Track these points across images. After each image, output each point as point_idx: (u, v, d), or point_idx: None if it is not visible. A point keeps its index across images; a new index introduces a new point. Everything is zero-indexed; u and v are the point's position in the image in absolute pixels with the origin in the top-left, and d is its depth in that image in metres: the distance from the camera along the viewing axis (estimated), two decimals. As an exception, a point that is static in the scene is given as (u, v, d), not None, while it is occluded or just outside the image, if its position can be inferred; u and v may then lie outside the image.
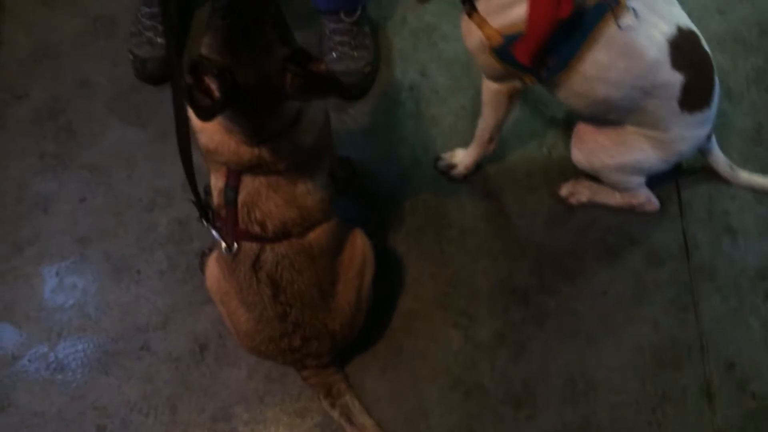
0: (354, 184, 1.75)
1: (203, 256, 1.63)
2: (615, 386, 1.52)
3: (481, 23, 1.30)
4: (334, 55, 1.87)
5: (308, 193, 1.33)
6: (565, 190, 1.69)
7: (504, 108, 1.53)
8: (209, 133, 1.25)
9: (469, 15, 1.32)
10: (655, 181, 1.64)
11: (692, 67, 1.35)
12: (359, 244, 1.47)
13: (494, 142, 1.65)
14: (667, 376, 1.52)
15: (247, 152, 1.23)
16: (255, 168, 1.26)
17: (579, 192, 1.68)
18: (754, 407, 1.48)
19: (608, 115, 1.45)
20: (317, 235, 1.37)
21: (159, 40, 1.90)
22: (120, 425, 1.56)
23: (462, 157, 1.72)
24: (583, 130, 1.56)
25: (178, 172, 1.65)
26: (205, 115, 1.08)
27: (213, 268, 1.47)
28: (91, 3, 2.06)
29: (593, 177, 1.63)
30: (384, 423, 1.50)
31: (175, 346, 1.63)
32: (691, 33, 1.36)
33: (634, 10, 1.23)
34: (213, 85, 1.07)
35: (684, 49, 1.33)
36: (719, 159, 1.63)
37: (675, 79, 1.34)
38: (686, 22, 1.36)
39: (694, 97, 1.38)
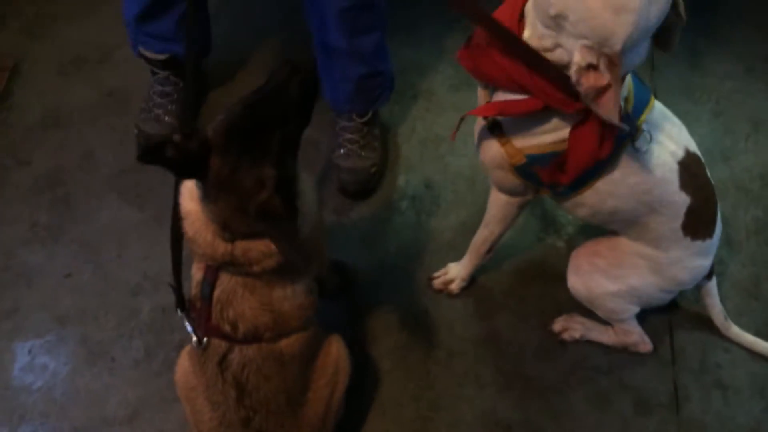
0: (346, 290, 1.69)
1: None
2: None
3: (504, 142, 1.26)
4: (342, 151, 1.84)
5: (286, 298, 1.26)
6: (558, 326, 1.63)
7: (511, 219, 1.49)
8: (192, 219, 1.19)
9: (492, 131, 1.27)
10: (650, 320, 1.59)
11: (698, 191, 1.33)
12: (334, 352, 1.39)
13: (491, 253, 1.61)
14: None
15: (221, 247, 1.17)
16: (228, 266, 1.20)
17: (572, 328, 1.62)
18: None
19: (612, 226, 1.41)
20: (290, 342, 1.29)
21: (166, 118, 1.87)
22: None
23: (457, 271, 1.67)
24: (580, 253, 1.52)
25: (169, 258, 1.60)
26: (143, 155, 1.06)
27: (184, 360, 1.39)
28: (107, 76, 2.05)
29: (587, 312, 1.58)
30: None
31: (139, 445, 1.53)
32: (698, 158, 1.35)
33: (649, 133, 1.22)
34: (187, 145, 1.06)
35: (691, 171, 1.31)
36: (715, 306, 1.58)
37: (681, 199, 1.31)
38: (694, 147, 1.35)
39: (696, 223, 1.35)
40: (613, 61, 1.01)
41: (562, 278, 1.54)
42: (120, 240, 1.78)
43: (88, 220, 1.80)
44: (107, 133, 1.95)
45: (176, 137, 1.06)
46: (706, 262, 1.44)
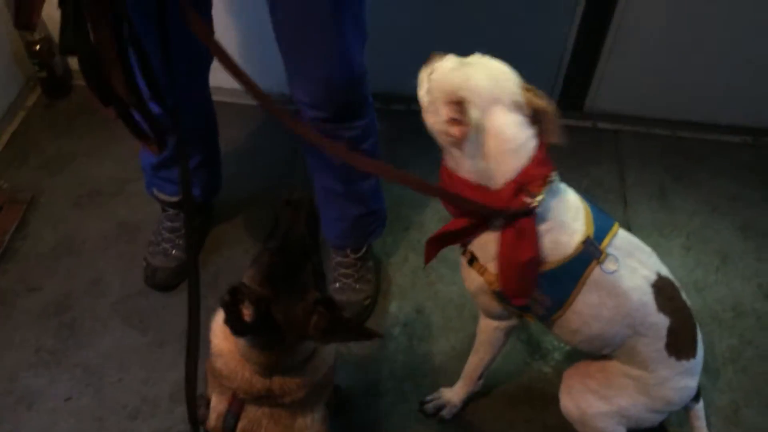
0: (339, 413, 1.70)
1: None
2: None
3: (482, 270, 1.35)
4: (337, 285, 1.91)
5: (306, 428, 1.28)
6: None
7: (499, 344, 1.54)
8: (226, 359, 1.23)
9: (470, 263, 1.37)
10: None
11: (675, 312, 1.38)
12: None
13: (483, 379, 1.64)
14: None
15: (259, 382, 1.21)
16: (262, 399, 1.23)
17: (560, 452, 1.63)
18: None
19: (601, 351, 1.44)
20: None
21: (174, 252, 1.95)
22: None
23: (450, 396, 1.69)
24: (572, 374, 1.54)
25: (168, 382, 1.62)
26: (237, 331, 1.12)
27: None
28: (120, 208, 2.15)
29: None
30: None
31: None
32: (671, 282, 1.41)
33: (614, 256, 1.31)
34: (247, 311, 1.08)
35: (667, 293, 1.38)
36: (702, 429, 1.58)
37: (661, 320, 1.37)
38: (666, 272, 1.42)
39: (679, 343, 1.39)
40: (461, 106, 1.20)
41: (549, 403, 1.57)
42: (121, 363, 1.80)
43: (92, 344, 1.83)
44: (116, 260, 2.02)
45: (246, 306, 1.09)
46: (692, 383, 1.47)
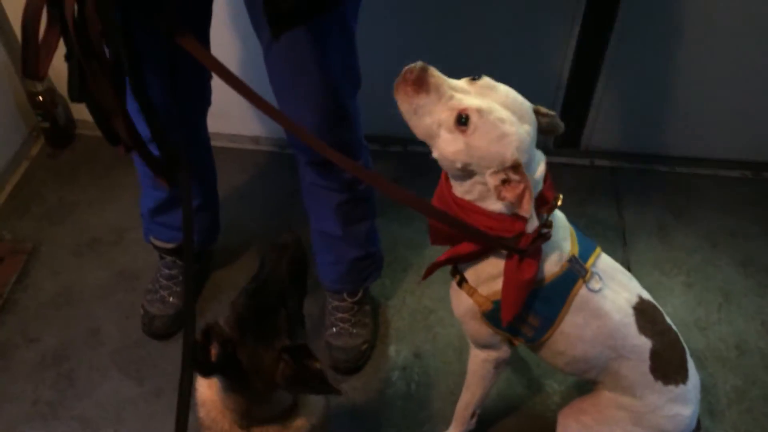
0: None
1: None
2: None
3: (471, 291, 1.33)
4: (333, 330, 1.88)
5: None
6: (547, 501, 1.58)
7: (490, 378, 1.51)
8: (207, 408, 1.20)
9: (459, 285, 1.35)
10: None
11: (658, 335, 1.35)
12: None
13: (476, 417, 1.61)
14: None
15: None
16: None
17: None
18: None
19: (587, 374, 1.41)
20: None
21: (171, 299, 1.93)
22: None
23: None
24: (567, 413, 1.50)
25: (166, 433, 1.58)
26: (203, 371, 1.10)
27: None
28: (119, 256, 2.14)
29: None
30: None
31: None
32: (654, 306, 1.39)
33: (598, 275, 1.31)
34: (214, 350, 1.07)
35: (648, 316, 1.35)
36: None
37: (642, 343, 1.34)
38: (647, 296, 1.39)
39: (664, 367, 1.36)
40: (517, 169, 1.15)
41: (549, 449, 1.53)
42: (117, 415, 1.77)
43: (89, 395, 1.81)
44: (114, 309, 2.00)
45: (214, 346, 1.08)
46: (685, 411, 1.41)
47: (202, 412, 1.21)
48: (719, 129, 2.31)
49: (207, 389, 1.21)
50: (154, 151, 1.28)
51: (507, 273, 1.26)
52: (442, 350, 1.90)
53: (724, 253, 2.13)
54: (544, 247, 1.26)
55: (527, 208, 1.16)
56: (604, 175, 2.38)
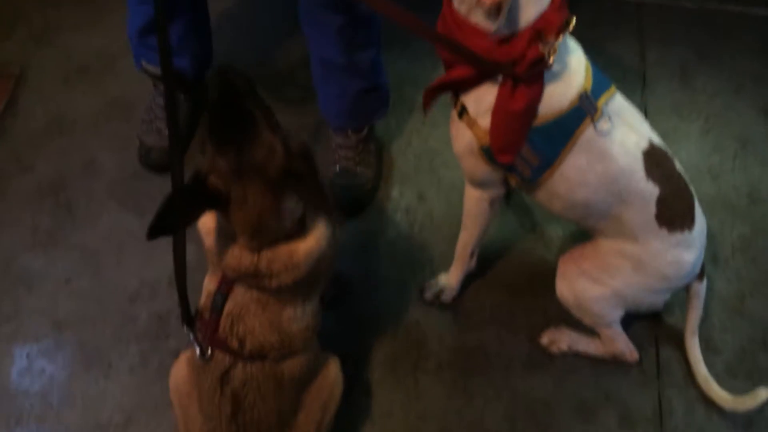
0: (341, 301, 1.65)
1: None
2: None
3: (471, 124, 1.26)
4: (337, 168, 1.80)
5: (294, 319, 1.23)
6: (546, 339, 1.59)
7: (485, 217, 1.46)
8: (215, 235, 1.17)
9: (460, 116, 1.27)
10: (636, 334, 1.55)
11: (666, 181, 1.29)
12: (331, 377, 1.35)
13: (475, 257, 1.58)
14: None
15: (247, 259, 1.14)
16: (250, 278, 1.17)
17: (559, 340, 1.58)
18: None
19: (588, 221, 1.37)
20: (292, 365, 1.26)
21: (166, 130, 1.83)
22: None
23: (446, 280, 1.63)
24: (567, 259, 1.48)
25: (167, 266, 1.55)
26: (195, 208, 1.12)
27: (182, 367, 1.34)
28: (111, 85, 2.01)
29: (575, 325, 1.53)
30: None
31: (132, 453, 1.49)
32: (663, 151, 1.31)
33: (608, 116, 1.23)
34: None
35: (657, 161, 1.28)
36: (696, 309, 1.50)
37: (649, 189, 1.28)
38: (659, 141, 1.32)
39: (670, 214, 1.31)
40: None
41: (551, 292, 1.50)
42: (119, 246, 1.74)
43: (89, 226, 1.76)
44: (109, 140, 1.90)
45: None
46: (688, 256, 1.37)
47: (209, 240, 1.18)
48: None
49: (210, 218, 1.17)
50: None
51: (498, 100, 1.18)
52: (446, 193, 1.83)
53: (746, 99, 2.00)
54: (549, 77, 1.16)
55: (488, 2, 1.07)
56: (628, 10, 2.18)
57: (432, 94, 1.28)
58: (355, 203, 1.79)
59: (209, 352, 1.22)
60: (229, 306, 1.21)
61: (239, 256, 1.15)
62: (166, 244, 1.76)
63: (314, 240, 1.18)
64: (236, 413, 1.23)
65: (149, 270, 1.70)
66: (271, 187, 1.09)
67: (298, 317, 1.24)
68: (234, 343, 1.21)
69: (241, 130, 1.06)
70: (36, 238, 1.75)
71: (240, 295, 1.20)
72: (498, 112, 1.19)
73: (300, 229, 1.17)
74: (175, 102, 1.16)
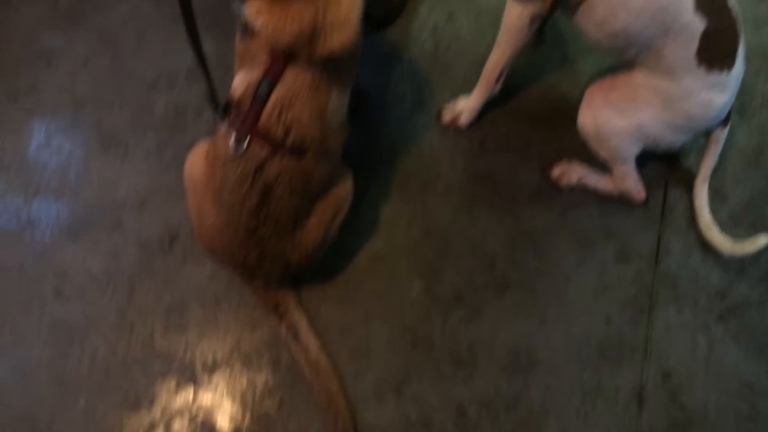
0: (359, 113, 1.63)
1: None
2: (555, 369, 1.46)
3: None
4: (366, -25, 1.70)
5: (336, 110, 1.25)
6: (557, 171, 1.58)
7: (522, 35, 1.41)
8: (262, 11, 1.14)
9: None
10: (648, 175, 1.55)
11: (715, 14, 1.23)
12: (346, 188, 1.39)
13: (501, 81, 1.53)
14: (606, 371, 1.46)
15: (309, 13, 1.13)
16: (305, 43, 1.14)
17: (570, 172, 1.57)
18: (679, 418, 1.43)
19: (625, 53, 1.33)
20: (323, 167, 1.29)
21: None
22: (77, 294, 1.49)
23: (465, 103, 1.60)
24: (596, 88, 1.44)
25: (186, 58, 1.53)
26: None
27: (197, 158, 1.36)
28: None
29: (588, 159, 1.53)
30: (328, 350, 1.44)
31: (146, 231, 1.54)
32: None
33: None
34: None
35: None
36: (712, 155, 1.48)
37: (696, 23, 1.23)
38: None
39: (713, 51, 1.26)
40: None
41: (570, 126, 1.48)
42: (139, 33, 1.69)
43: (108, 8, 1.71)
44: None
45: None
46: (719, 98, 1.33)
47: (256, 15, 1.15)
48: None
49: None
50: None
51: None
52: (476, 15, 1.75)
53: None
54: None
55: None
56: None
57: None
58: (383, 16, 1.72)
59: (246, 142, 1.20)
60: (278, 92, 1.18)
61: (301, 11, 1.12)
62: (184, 37, 1.72)
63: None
64: (261, 205, 1.26)
65: (168, 61, 1.67)
66: None
67: (339, 108, 1.25)
68: (279, 132, 1.20)
69: None
70: (56, 14, 1.70)
71: (291, 81, 1.17)
72: None
73: None
74: None
